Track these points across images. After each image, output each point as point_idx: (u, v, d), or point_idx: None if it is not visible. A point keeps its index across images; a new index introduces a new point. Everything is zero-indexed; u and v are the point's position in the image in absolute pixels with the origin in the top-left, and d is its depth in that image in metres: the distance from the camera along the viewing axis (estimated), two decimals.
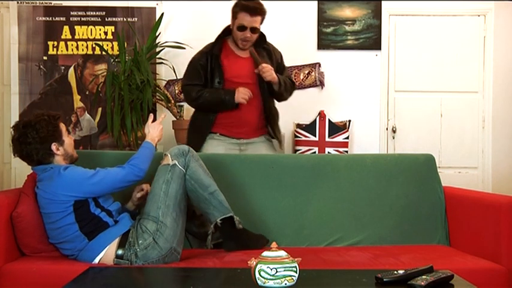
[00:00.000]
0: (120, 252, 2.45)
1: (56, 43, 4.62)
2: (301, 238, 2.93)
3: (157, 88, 4.38)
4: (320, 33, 4.75)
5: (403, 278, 1.93)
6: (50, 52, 4.62)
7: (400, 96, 4.81)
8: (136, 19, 4.66)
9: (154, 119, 2.81)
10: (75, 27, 4.62)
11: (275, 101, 3.45)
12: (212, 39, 3.36)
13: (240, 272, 2.10)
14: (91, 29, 4.64)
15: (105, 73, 4.46)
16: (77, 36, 4.63)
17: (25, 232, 2.53)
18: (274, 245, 1.89)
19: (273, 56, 3.34)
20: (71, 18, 4.62)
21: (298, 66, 4.72)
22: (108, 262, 2.45)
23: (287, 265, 1.81)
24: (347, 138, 4.58)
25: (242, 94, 3.16)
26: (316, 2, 4.73)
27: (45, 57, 4.62)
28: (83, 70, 4.64)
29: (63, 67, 4.63)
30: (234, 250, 2.65)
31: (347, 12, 4.75)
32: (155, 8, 4.66)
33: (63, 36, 4.62)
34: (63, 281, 2.04)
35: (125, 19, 4.62)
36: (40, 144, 2.49)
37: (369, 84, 4.78)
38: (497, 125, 4.78)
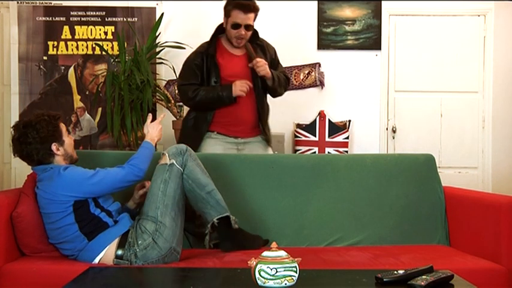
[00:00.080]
0: (119, 252, 2.45)
1: (56, 43, 4.62)
2: (301, 238, 2.93)
3: (157, 88, 4.38)
4: (320, 33, 4.75)
5: (403, 278, 1.93)
6: (50, 52, 4.62)
7: (400, 96, 4.81)
8: (136, 19, 4.66)
9: (154, 119, 2.81)
10: (75, 27, 4.63)
11: (268, 98, 3.45)
12: None
13: (240, 272, 2.10)
14: (91, 29, 4.64)
15: (105, 73, 4.46)
16: (77, 36, 4.63)
17: (25, 232, 2.53)
18: (274, 245, 1.89)
19: (266, 51, 3.34)
20: (71, 18, 4.62)
21: (298, 66, 4.72)
22: (108, 262, 2.45)
23: (287, 265, 1.81)
24: (347, 138, 4.58)
25: (239, 87, 3.16)
26: (316, 2, 4.73)
27: (45, 57, 4.62)
28: (83, 70, 4.64)
29: (63, 67, 4.63)
30: (230, 250, 2.65)
31: (347, 12, 4.75)
32: (155, 8, 4.66)
33: (63, 36, 4.62)
34: (63, 281, 2.04)
35: (124, 19, 4.63)
36: (40, 144, 2.49)
37: (369, 84, 4.78)
38: (497, 125, 4.78)
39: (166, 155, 2.63)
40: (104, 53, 4.56)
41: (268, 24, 4.40)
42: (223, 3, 3.26)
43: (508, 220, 2.56)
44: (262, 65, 3.17)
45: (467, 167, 4.80)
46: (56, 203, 2.44)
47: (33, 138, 2.48)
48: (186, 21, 4.61)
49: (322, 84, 4.75)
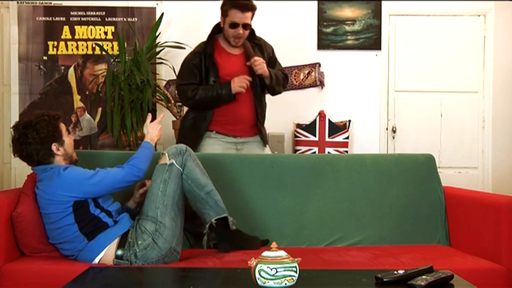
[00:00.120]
0: (119, 252, 2.45)
1: (56, 43, 4.62)
2: (301, 238, 2.93)
3: (157, 88, 4.38)
4: (320, 33, 4.75)
5: (403, 278, 1.93)
6: (50, 52, 4.62)
7: (400, 96, 4.81)
8: (136, 19, 4.66)
9: (153, 119, 2.81)
10: (75, 27, 4.63)
11: (267, 98, 3.45)
12: None
13: (240, 272, 2.10)
14: (91, 29, 4.64)
15: (105, 73, 4.46)
16: (77, 36, 4.63)
17: (25, 232, 2.53)
18: (274, 245, 1.89)
19: (264, 50, 3.34)
20: (71, 18, 4.62)
21: (298, 66, 4.72)
22: (108, 262, 2.45)
23: (287, 265, 1.81)
24: (347, 138, 4.58)
25: (238, 83, 3.15)
26: (316, 2, 4.73)
27: (45, 57, 4.62)
28: (83, 70, 4.64)
29: (63, 67, 4.63)
30: (228, 251, 2.65)
31: (347, 12, 4.75)
32: (155, 8, 4.66)
33: (63, 36, 4.62)
34: (63, 281, 2.04)
35: (124, 19, 4.63)
36: (40, 144, 2.49)
37: (369, 84, 4.78)
38: (497, 125, 4.78)
39: (166, 154, 2.63)
40: (104, 53, 4.56)
41: (268, 24, 4.41)
42: (221, 3, 3.26)
43: (508, 220, 2.56)
44: (260, 64, 3.17)
45: (467, 167, 4.80)
46: (55, 203, 2.44)
47: (33, 139, 2.48)
48: (186, 21, 4.61)
49: (322, 84, 4.75)
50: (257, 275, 1.80)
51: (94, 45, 4.61)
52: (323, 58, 4.75)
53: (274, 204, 2.97)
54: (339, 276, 2.15)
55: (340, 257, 2.63)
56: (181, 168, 2.61)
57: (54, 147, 2.52)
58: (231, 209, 2.71)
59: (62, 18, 4.62)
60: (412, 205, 3.03)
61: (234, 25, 3.18)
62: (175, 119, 4.34)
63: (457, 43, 4.79)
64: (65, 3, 4.62)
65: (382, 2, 4.75)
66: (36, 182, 2.55)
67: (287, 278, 1.80)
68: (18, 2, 4.59)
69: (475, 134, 4.81)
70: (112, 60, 4.53)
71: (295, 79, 4.74)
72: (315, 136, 4.58)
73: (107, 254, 2.46)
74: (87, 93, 4.64)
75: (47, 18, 4.61)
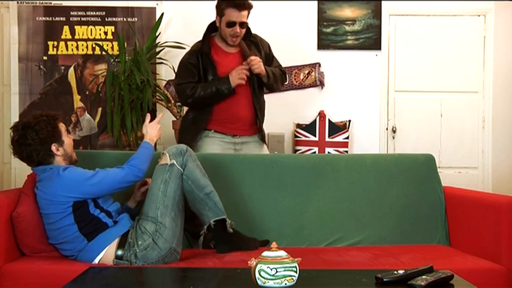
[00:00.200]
0: (119, 252, 2.45)
1: (56, 43, 4.62)
2: (301, 238, 2.93)
3: (157, 88, 4.38)
4: (320, 33, 4.75)
5: (403, 278, 1.93)
6: (50, 52, 4.62)
7: (400, 96, 4.81)
8: (136, 19, 4.66)
9: (152, 119, 2.80)
10: (75, 27, 4.62)
11: (266, 97, 3.45)
12: None
13: (240, 272, 2.10)
14: (91, 29, 4.64)
15: (105, 73, 4.46)
16: (77, 36, 4.63)
17: (25, 232, 2.53)
18: (274, 245, 1.89)
19: (261, 48, 3.34)
20: (71, 18, 4.62)
21: (298, 66, 4.72)
22: (108, 263, 2.45)
23: (287, 265, 1.81)
24: (347, 138, 4.58)
25: (236, 75, 3.15)
26: (316, 2, 4.73)
27: (45, 57, 4.62)
28: (83, 70, 4.64)
29: (63, 67, 4.63)
30: (226, 252, 2.65)
31: (347, 12, 4.75)
32: (155, 8, 4.66)
33: (63, 36, 4.62)
34: (63, 281, 2.04)
35: (124, 19, 4.62)
36: (40, 145, 2.49)
37: (369, 84, 4.78)
38: (497, 125, 4.78)
39: (167, 155, 2.63)
40: (104, 53, 4.56)
41: (268, 24, 4.41)
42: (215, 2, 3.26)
43: (508, 220, 2.56)
44: (256, 63, 3.16)
45: (467, 167, 4.80)
46: (55, 204, 2.44)
47: (32, 140, 2.47)
48: (186, 21, 4.61)
49: (322, 84, 4.75)
50: (257, 275, 1.80)
51: (94, 45, 4.61)
52: (323, 58, 4.75)
53: (274, 204, 2.97)
54: (339, 276, 2.15)
55: (340, 257, 2.63)
56: (182, 169, 2.61)
57: (53, 147, 2.52)
58: (230, 209, 2.71)
59: (62, 18, 4.62)
60: (412, 205, 3.03)
61: (231, 24, 3.17)
62: (175, 119, 4.34)
63: (457, 43, 4.79)
64: (65, 3, 4.62)
65: (382, 2, 4.74)
66: (36, 182, 2.55)
67: (287, 278, 1.80)
68: (18, 2, 4.58)
69: (475, 134, 4.80)
70: (112, 60, 4.53)
71: (295, 79, 4.73)
72: (315, 136, 4.58)
73: (106, 254, 2.46)
74: (87, 93, 4.64)
75: (47, 18, 4.61)
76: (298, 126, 4.65)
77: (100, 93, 4.55)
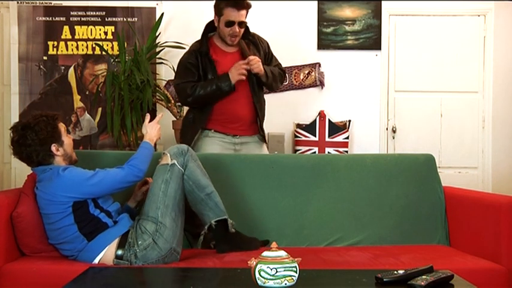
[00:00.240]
0: (119, 252, 2.45)
1: (56, 43, 4.62)
2: (301, 238, 2.93)
3: (157, 88, 4.38)
4: (320, 33, 4.75)
5: (403, 278, 1.93)
6: (50, 52, 4.62)
7: (400, 96, 4.81)
8: (136, 19, 4.66)
9: (152, 119, 2.80)
10: (75, 27, 4.62)
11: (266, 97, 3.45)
12: None
13: (240, 272, 2.10)
14: (91, 29, 4.64)
15: (105, 73, 4.46)
16: (77, 36, 4.63)
17: (25, 232, 2.53)
18: (274, 245, 1.89)
19: (259, 47, 3.34)
20: (71, 18, 4.62)
21: (298, 66, 4.72)
22: (108, 262, 2.45)
23: (287, 265, 1.81)
24: (347, 138, 4.58)
25: (236, 72, 3.14)
26: (316, 2, 4.73)
27: (45, 57, 4.62)
28: (83, 70, 4.64)
29: (63, 67, 4.63)
30: (226, 252, 2.65)
31: (347, 12, 4.75)
32: (155, 8, 4.66)
33: (63, 36, 4.62)
34: (63, 281, 2.04)
35: (124, 19, 4.62)
36: (40, 146, 2.49)
37: (369, 84, 4.78)
38: (497, 125, 4.78)
39: (168, 154, 2.63)
40: (104, 53, 4.56)
41: (268, 24, 4.42)
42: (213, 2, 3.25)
43: (508, 220, 2.56)
44: (255, 63, 3.16)
45: (467, 167, 4.80)
46: (55, 204, 2.44)
47: (32, 140, 2.47)
48: (186, 21, 4.61)
49: (322, 84, 4.75)
50: (257, 275, 1.80)
51: (94, 45, 4.61)
52: (323, 58, 4.75)
53: (274, 204, 2.97)
54: (339, 276, 2.15)
55: (340, 257, 2.63)
56: (183, 169, 2.61)
57: (53, 147, 2.52)
58: (230, 209, 2.71)
59: (62, 18, 4.62)
60: (412, 205, 3.03)
61: (230, 23, 3.17)
62: (175, 119, 4.34)
63: (457, 43, 4.79)
64: (65, 3, 4.62)
65: (382, 2, 4.75)
66: (36, 183, 2.55)
67: (287, 278, 1.80)
68: (18, 2, 4.59)
69: (475, 134, 4.80)
70: (112, 60, 4.53)
71: (295, 79, 4.74)
72: (315, 136, 4.58)
73: (106, 254, 2.46)
74: (87, 93, 4.64)
75: (47, 18, 4.61)
76: (298, 126, 4.65)
77: (100, 93, 4.55)
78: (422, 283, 1.86)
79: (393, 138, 4.80)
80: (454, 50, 4.79)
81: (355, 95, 4.77)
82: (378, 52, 4.77)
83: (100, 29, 4.64)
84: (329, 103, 4.73)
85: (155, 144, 2.80)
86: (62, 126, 2.59)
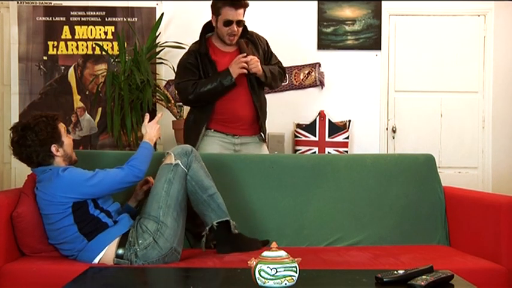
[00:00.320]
0: (120, 252, 2.45)
1: (56, 43, 4.62)
2: (301, 238, 2.93)
3: (157, 88, 4.38)
4: (320, 33, 4.75)
5: (403, 278, 1.93)
6: (50, 52, 4.62)
7: (400, 96, 4.81)
8: (136, 19, 4.66)
9: (151, 119, 2.80)
10: (75, 27, 4.62)
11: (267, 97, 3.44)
12: None
13: (240, 272, 2.10)
14: (91, 29, 4.64)
15: (105, 73, 4.46)
16: (77, 36, 4.63)
17: (25, 232, 2.53)
18: (274, 245, 1.89)
19: (258, 46, 3.33)
20: (71, 18, 4.62)
21: (298, 66, 4.72)
22: (108, 262, 2.45)
23: (287, 265, 1.81)
24: (347, 138, 4.58)
25: (236, 65, 3.13)
26: (316, 2, 4.73)
27: (45, 57, 4.62)
28: (83, 70, 4.64)
29: (63, 67, 4.63)
30: (227, 253, 2.65)
31: (347, 12, 4.75)
32: (155, 8, 4.66)
33: (63, 36, 4.62)
34: (63, 281, 2.04)
35: (124, 19, 4.62)
36: (40, 146, 2.48)
37: (369, 84, 4.78)
38: (497, 125, 4.78)
39: (172, 154, 2.63)
40: (104, 53, 4.56)
41: (268, 24, 4.41)
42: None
43: (508, 220, 2.56)
44: (254, 63, 3.16)
45: (467, 167, 4.80)
46: (55, 204, 2.44)
47: (32, 141, 2.47)
48: (186, 21, 4.60)
49: (322, 84, 4.75)
50: (257, 275, 1.80)
51: (94, 45, 4.61)
52: (323, 58, 4.75)
53: (274, 204, 2.97)
54: (339, 276, 2.15)
55: (340, 257, 2.63)
56: (186, 169, 2.61)
57: (53, 148, 2.51)
58: (231, 209, 2.71)
59: (62, 18, 4.62)
60: (412, 205, 3.03)
61: (228, 23, 3.17)
62: (175, 119, 4.34)
63: (457, 43, 4.79)
64: (65, 3, 4.62)
65: (382, 2, 4.75)
66: (36, 183, 2.55)
67: (287, 278, 1.80)
68: (18, 2, 4.59)
69: (475, 134, 4.80)
70: (112, 60, 4.53)
71: (295, 79, 4.74)
72: (315, 136, 4.58)
73: (106, 253, 2.46)
74: (87, 93, 4.64)
75: (47, 18, 4.61)
76: (298, 126, 4.65)
77: (100, 93, 4.55)
78: (422, 283, 1.86)
79: (393, 138, 4.80)
80: (454, 50, 4.79)
81: (355, 95, 4.77)
82: (378, 52, 4.77)
83: (100, 29, 4.64)
84: (329, 103, 4.73)
85: (155, 144, 2.80)
86: (61, 127, 2.59)
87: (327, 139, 4.57)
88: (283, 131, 4.55)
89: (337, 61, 4.75)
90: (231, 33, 3.19)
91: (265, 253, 1.84)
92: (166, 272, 2.30)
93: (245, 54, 3.16)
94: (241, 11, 3.18)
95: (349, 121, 4.66)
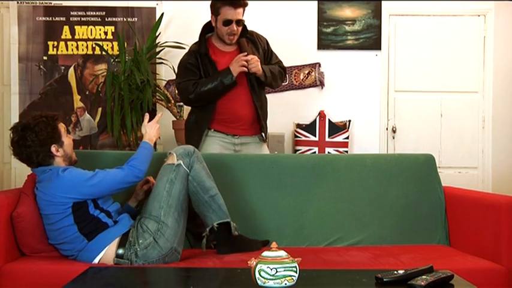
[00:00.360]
0: (120, 251, 2.45)
1: (56, 43, 4.62)
2: (301, 238, 2.93)
3: (157, 88, 4.38)
4: (320, 33, 4.75)
5: (403, 278, 1.93)
6: (50, 52, 4.62)
7: (400, 96, 4.81)
8: (136, 19, 4.66)
9: (151, 119, 2.80)
10: (75, 27, 4.63)
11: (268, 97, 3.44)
12: None
13: (240, 272, 2.10)
14: (91, 29, 4.64)
15: (105, 73, 4.46)
16: (77, 36, 4.63)
17: (25, 232, 2.53)
18: (274, 245, 1.89)
19: (258, 45, 3.33)
20: (71, 18, 4.62)
21: (298, 66, 4.72)
22: (108, 262, 2.45)
23: (287, 265, 1.81)
24: (347, 138, 4.58)
25: (237, 64, 3.13)
26: (316, 2, 4.73)
27: (45, 57, 4.62)
28: (83, 70, 4.64)
29: (63, 67, 4.63)
30: (227, 254, 2.65)
31: (347, 12, 4.75)
32: (155, 8, 4.66)
33: (63, 36, 4.62)
34: (63, 281, 2.04)
35: (124, 19, 4.63)
36: (40, 147, 2.48)
37: (369, 84, 4.78)
38: (497, 125, 4.78)
39: (174, 155, 2.63)
40: (104, 53, 4.56)
41: (268, 24, 4.41)
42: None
43: (508, 220, 2.56)
44: (253, 62, 3.16)
45: (467, 167, 4.80)
46: (54, 205, 2.44)
47: (32, 141, 2.47)
48: (186, 21, 4.60)
49: (322, 84, 4.75)
50: (257, 275, 1.80)
51: (94, 45, 4.61)
52: (323, 58, 4.75)
53: (274, 204, 2.97)
54: (339, 276, 2.15)
55: (340, 257, 2.63)
56: (188, 170, 2.61)
57: (53, 148, 2.51)
58: (230, 209, 2.71)
59: (62, 18, 4.62)
60: (412, 205, 3.03)
61: (228, 22, 3.17)
62: (175, 119, 4.34)
63: (457, 43, 4.79)
64: (65, 3, 4.62)
65: (382, 2, 4.75)
66: (36, 183, 2.55)
67: (287, 278, 1.80)
68: (18, 2, 4.59)
69: (475, 134, 4.81)
70: (112, 60, 4.53)
71: (295, 79, 4.74)
72: (315, 136, 4.58)
73: (106, 253, 2.46)
74: (87, 93, 4.64)
75: (47, 18, 4.61)
76: (298, 126, 4.65)
77: (100, 93, 4.55)
78: (422, 283, 1.86)
79: (393, 138, 4.80)
80: (454, 50, 4.79)
81: (355, 95, 4.77)
82: (378, 52, 4.77)
83: (100, 29, 4.64)
84: (329, 103, 4.73)
85: (155, 144, 2.80)
86: (61, 127, 2.59)
87: (327, 139, 4.57)
88: (283, 131, 4.55)
89: (337, 61, 4.76)
90: (231, 32, 3.19)
91: (265, 253, 1.84)
92: (166, 272, 2.30)
93: (246, 53, 3.16)
94: (240, 10, 3.18)
95: (349, 121, 4.66)
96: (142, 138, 2.75)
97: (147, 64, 4.25)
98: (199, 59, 3.23)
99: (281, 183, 3.00)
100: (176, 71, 3.40)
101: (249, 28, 3.33)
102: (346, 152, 4.54)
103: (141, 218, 2.57)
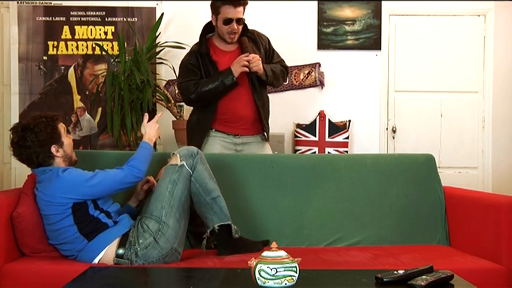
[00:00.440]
0: (120, 251, 2.45)
1: (56, 43, 4.62)
2: (301, 238, 2.93)
3: (157, 88, 4.38)
4: (320, 33, 4.75)
5: (403, 278, 1.93)
6: (50, 52, 4.62)
7: (400, 96, 4.81)
8: (136, 19, 4.66)
9: (151, 119, 2.79)
10: (75, 27, 4.63)
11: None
12: None
13: (240, 272, 2.10)
14: (91, 29, 4.64)
15: (105, 73, 4.46)
16: (77, 36, 4.63)
17: (25, 232, 2.52)
18: (274, 245, 1.89)
19: (259, 44, 3.33)
20: (71, 18, 4.62)
21: (298, 66, 4.72)
22: (108, 262, 2.45)
23: (287, 265, 1.81)
24: (347, 138, 4.58)
25: (238, 64, 3.13)
26: (316, 2, 4.74)
27: (45, 57, 4.62)
28: (83, 70, 4.64)
29: (63, 67, 4.63)
30: (228, 255, 2.65)
31: (347, 12, 4.75)
32: (155, 8, 4.67)
33: (63, 36, 4.62)
34: (63, 281, 2.04)
35: (124, 19, 4.63)
36: (40, 147, 2.48)
37: (369, 84, 4.78)
38: (497, 125, 4.78)
39: (177, 155, 2.62)
40: (104, 53, 4.56)
41: (268, 24, 4.40)
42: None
43: (508, 220, 2.56)
44: (255, 61, 3.15)
45: (467, 167, 4.80)
46: (54, 205, 2.44)
47: (32, 142, 2.47)
48: (186, 21, 4.61)
49: (322, 84, 4.75)
50: (257, 275, 1.80)
51: (94, 45, 4.62)
52: (323, 58, 4.75)
53: (274, 204, 2.97)
54: (339, 276, 2.15)
55: (340, 257, 2.63)
56: (191, 171, 2.61)
57: (53, 149, 2.51)
58: (230, 209, 2.71)
59: (62, 18, 4.62)
60: (412, 205, 3.03)
61: (228, 21, 3.17)
62: (175, 119, 4.34)
63: (457, 43, 4.79)
64: (65, 3, 4.62)
65: (382, 2, 4.75)
66: (36, 184, 2.55)
67: (287, 278, 1.80)
68: (18, 2, 4.59)
69: (475, 134, 4.81)
70: (112, 60, 4.53)
71: (295, 79, 4.74)
72: (315, 136, 4.58)
73: (106, 253, 2.45)
74: (87, 93, 4.64)
75: (47, 18, 4.61)
76: (298, 126, 4.65)
77: (100, 93, 4.55)
78: (422, 283, 1.86)
79: (393, 138, 4.80)
80: (454, 50, 4.79)
81: (355, 95, 4.77)
82: (378, 52, 4.78)
83: (100, 29, 4.64)
84: (329, 103, 4.74)
85: (155, 144, 2.80)
86: (61, 127, 2.59)
87: (327, 139, 4.57)
88: (283, 131, 4.56)
89: (337, 61, 4.76)
90: (231, 31, 3.19)
91: (265, 253, 1.84)
92: (166, 272, 2.30)
93: (248, 54, 3.16)
94: (240, 9, 3.18)
95: (349, 121, 4.66)
96: (142, 138, 2.75)
97: (147, 64, 4.25)
98: (200, 59, 3.23)
99: (281, 183, 3.00)
100: (177, 71, 3.40)
101: (248, 25, 3.33)
102: (346, 152, 4.54)
103: (141, 217, 2.57)
